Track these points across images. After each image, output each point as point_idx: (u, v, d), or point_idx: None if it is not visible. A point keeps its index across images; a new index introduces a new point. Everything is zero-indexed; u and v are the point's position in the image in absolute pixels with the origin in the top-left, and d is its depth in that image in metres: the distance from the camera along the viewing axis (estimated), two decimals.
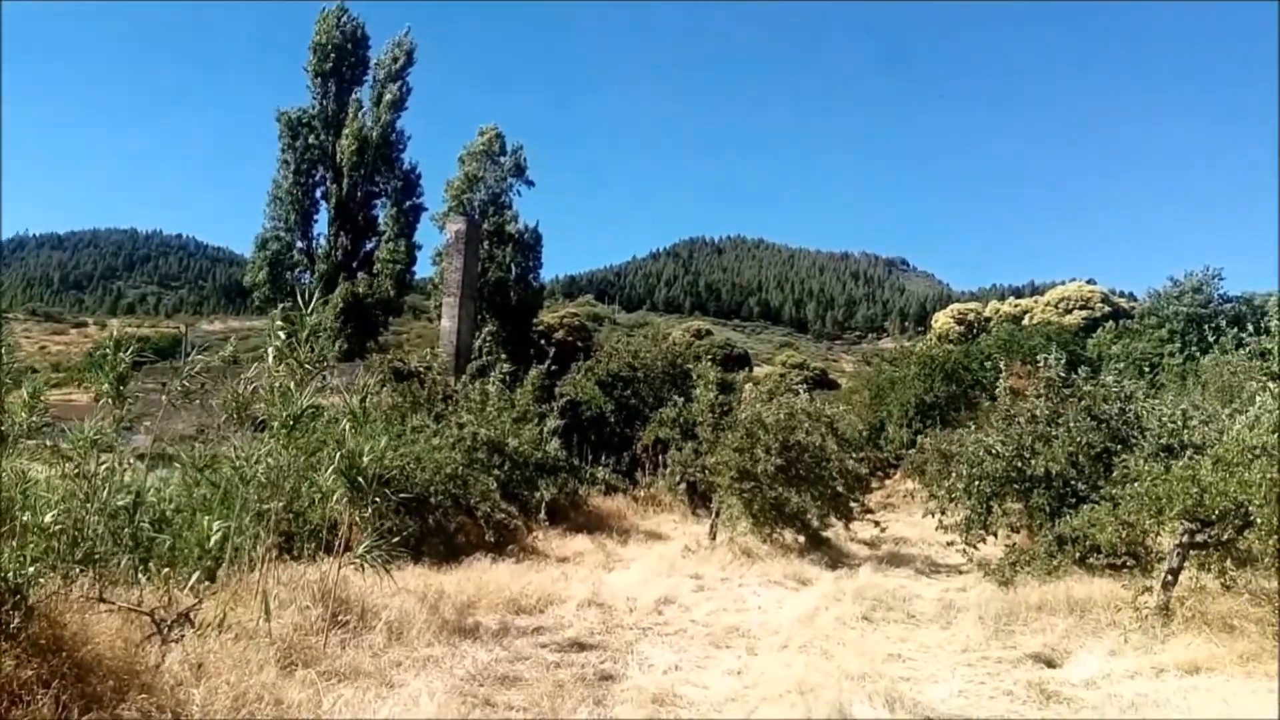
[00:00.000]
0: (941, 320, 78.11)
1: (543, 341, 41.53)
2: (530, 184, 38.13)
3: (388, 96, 37.12)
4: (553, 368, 21.88)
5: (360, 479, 6.93)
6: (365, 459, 6.97)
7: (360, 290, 35.46)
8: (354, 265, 37.10)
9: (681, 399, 15.64)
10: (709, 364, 16.79)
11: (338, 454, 7.04)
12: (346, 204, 37.04)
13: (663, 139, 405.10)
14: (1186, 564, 9.03)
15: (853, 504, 16.01)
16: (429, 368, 17.92)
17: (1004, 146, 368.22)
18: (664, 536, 15.88)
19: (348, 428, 7.52)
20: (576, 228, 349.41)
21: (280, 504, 7.48)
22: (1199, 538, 8.53)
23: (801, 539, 14.58)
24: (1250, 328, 20.35)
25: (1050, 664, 7.32)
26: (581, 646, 7.68)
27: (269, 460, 6.96)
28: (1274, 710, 5.65)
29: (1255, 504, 7.56)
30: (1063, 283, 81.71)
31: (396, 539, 8.04)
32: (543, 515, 14.51)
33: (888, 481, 31.80)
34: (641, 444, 21.07)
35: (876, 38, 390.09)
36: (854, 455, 20.29)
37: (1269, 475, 7.52)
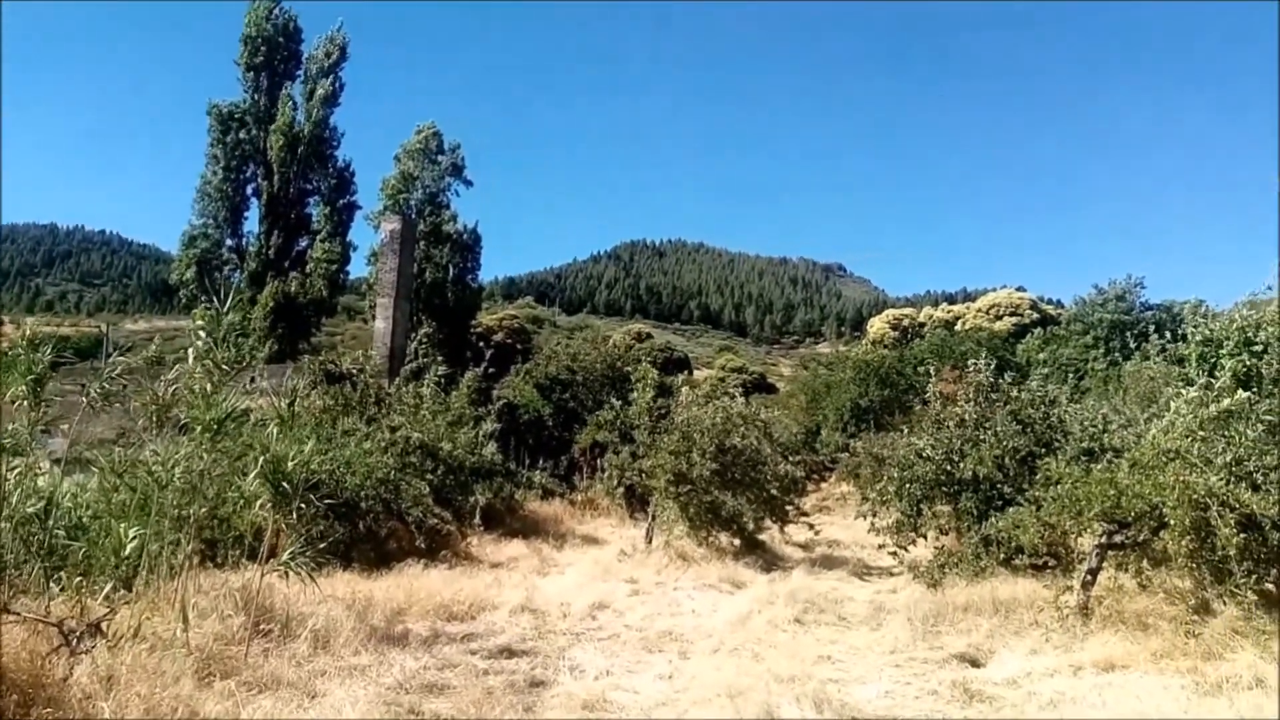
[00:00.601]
0: (877, 325, 79.58)
1: (481, 344, 41.13)
2: (469, 184, 37.85)
3: (320, 91, 36.38)
4: (490, 370, 21.69)
5: (285, 484, 6.75)
6: (290, 463, 6.79)
7: (292, 290, 34.69)
8: (286, 264, 36.26)
9: (619, 402, 15.63)
10: (648, 366, 16.76)
11: (261, 458, 6.85)
12: (278, 201, 36.22)
13: (604, 141, 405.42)
14: (1105, 564, 9.31)
15: (788, 507, 16.17)
16: (362, 370, 17.59)
17: (939, 156, 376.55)
18: (601, 541, 15.85)
19: (274, 431, 7.33)
20: (517, 229, 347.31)
21: (203, 510, 7.27)
22: (1117, 538, 8.81)
23: (737, 542, 14.68)
24: (1168, 334, 21.01)
25: (975, 663, 7.47)
26: (513, 653, 7.60)
27: (187, 465, 6.74)
28: (1182, 703, 5.84)
29: (1169, 506, 7.82)
30: (994, 290, 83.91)
31: (324, 545, 7.88)
32: (477, 520, 14.37)
33: (823, 484, 32.21)
34: (579, 447, 21.02)
35: (818, 42, 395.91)
36: (790, 459, 20.55)
37: (1181, 478, 7.78)
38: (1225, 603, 8.19)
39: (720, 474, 13.82)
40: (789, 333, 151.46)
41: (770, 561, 13.96)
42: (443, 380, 16.89)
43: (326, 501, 9.06)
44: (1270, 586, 8.21)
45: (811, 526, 17.12)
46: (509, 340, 58.46)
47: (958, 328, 65.47)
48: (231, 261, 36.71)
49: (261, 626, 6.72)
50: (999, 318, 67.24)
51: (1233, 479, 7.84)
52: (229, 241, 36.80)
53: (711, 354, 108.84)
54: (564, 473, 21.89)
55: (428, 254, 35.42)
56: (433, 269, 35.65)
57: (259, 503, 7.21)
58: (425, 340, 31.95)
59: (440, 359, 22.53)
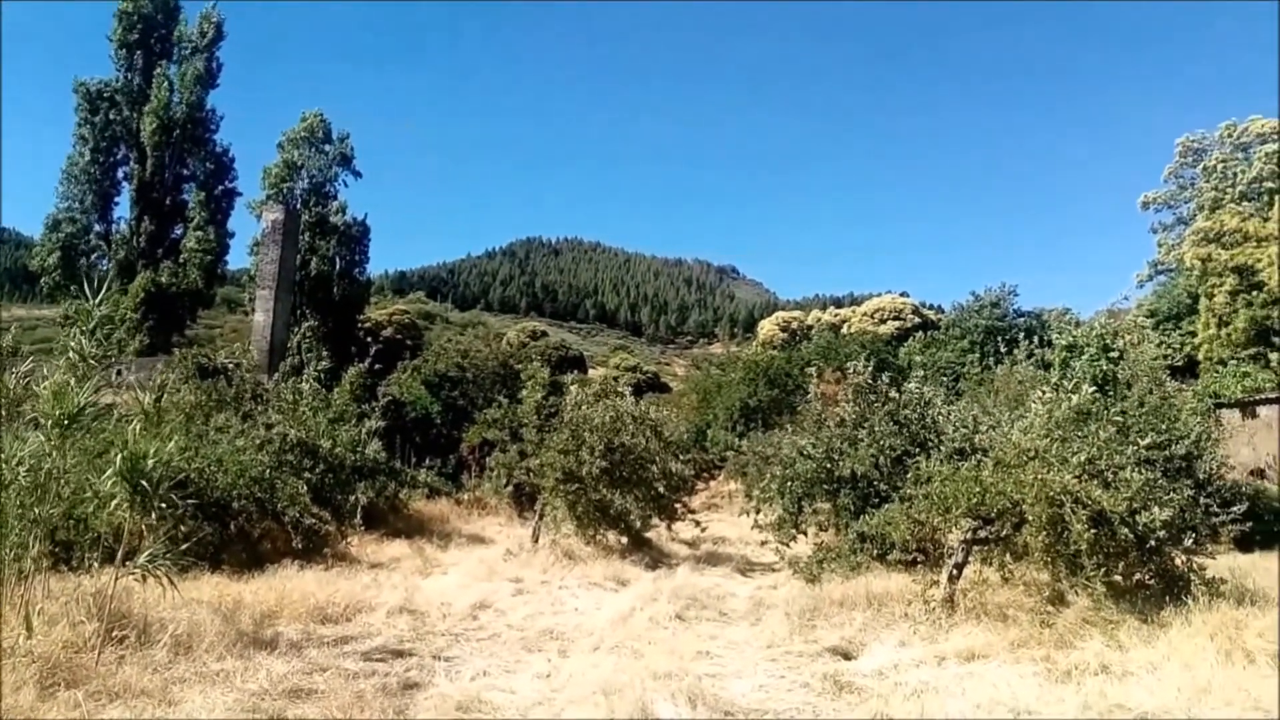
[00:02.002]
0: (767, 327, 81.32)
1: (369, 339, 40.07)
2: (358, 174, 36.77)
3: (195, 71, 34.66)
4: (376, 366, 21.16)
5: (144, 483, 6.40)
6: (150, 461, 6.44)
7: (164, 279, 32.94)
8: (158, 253, 34.37)
9: (508, 400, 15.48)
10: (538, 364, 16.64)
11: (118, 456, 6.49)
12: (151, 186, 34.33)
13: (501, 137, 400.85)
14: (971, 559, 9.75)
15: (676, 505, 16.35)
16: (238, 364, 16.89)
17: (829, 161, 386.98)
18: (487, 540, 15.67)
19: (137, 427, 6.95)
20: (409, 222, 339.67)
21: (55, 510, 6.85)
22: (981, 534, 9.22)
23: (625, 540, 14.74)
24: (1036, 340, 22.20)
25: (847, 656, 7.69)
26: (388, 655, 7.42)
27: (35, 463, 6.33)
28: (1034, 690, 6.15)
29: (1028, 503, 8.25)
30: (879, 295, 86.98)
31: (187, 546, 7.52)
32: (358, 520, 14.01)
33: (712, 483, 32.73)
34: (467, 446, 20.75)
35: (713, 47, 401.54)
36: (680, 457, 20.76)
37: (1039, 476, 8.21)
38: (1078, 594, 8.69)
39: (609, 472, 13.85)
40: (683, 333, 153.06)
41: (657, 559, 14.06)
42: (324, 375, 16.36)
43: (190, 501, 8.67)
44: (1118, 578, 8.74)
45: (698, 524, 17.34)
46: (399, 336, 57.20)
47: (844, 331, 67.55)
48: (99, 249, 34.61)
49: (116, 633, 6.36)
50: (883, 322, 69.61)
51: (1085, 477, 8.32)
52: (97, 227, 34.68)
53: (607, 353, 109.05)
54: (452, 471, 21.58)
55: (313, 245, 34.23)
56: (318, 261, 34.46)
57: (114, 503, 6.81)
58: (309, 334, 30.95)
59: (324, 354, 21.89)
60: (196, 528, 9.69)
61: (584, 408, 14.20)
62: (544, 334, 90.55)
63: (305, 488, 12.20)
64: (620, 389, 16.11)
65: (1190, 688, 5.90)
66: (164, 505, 6.78)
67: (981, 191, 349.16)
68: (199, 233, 33.80)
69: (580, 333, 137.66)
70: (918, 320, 68.92)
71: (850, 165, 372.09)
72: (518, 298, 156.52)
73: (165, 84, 34.40)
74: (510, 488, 17.10)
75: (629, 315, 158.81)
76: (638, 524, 14.95)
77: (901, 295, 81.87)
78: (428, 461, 20.70)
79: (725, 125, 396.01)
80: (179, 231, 34.97)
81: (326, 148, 35.95)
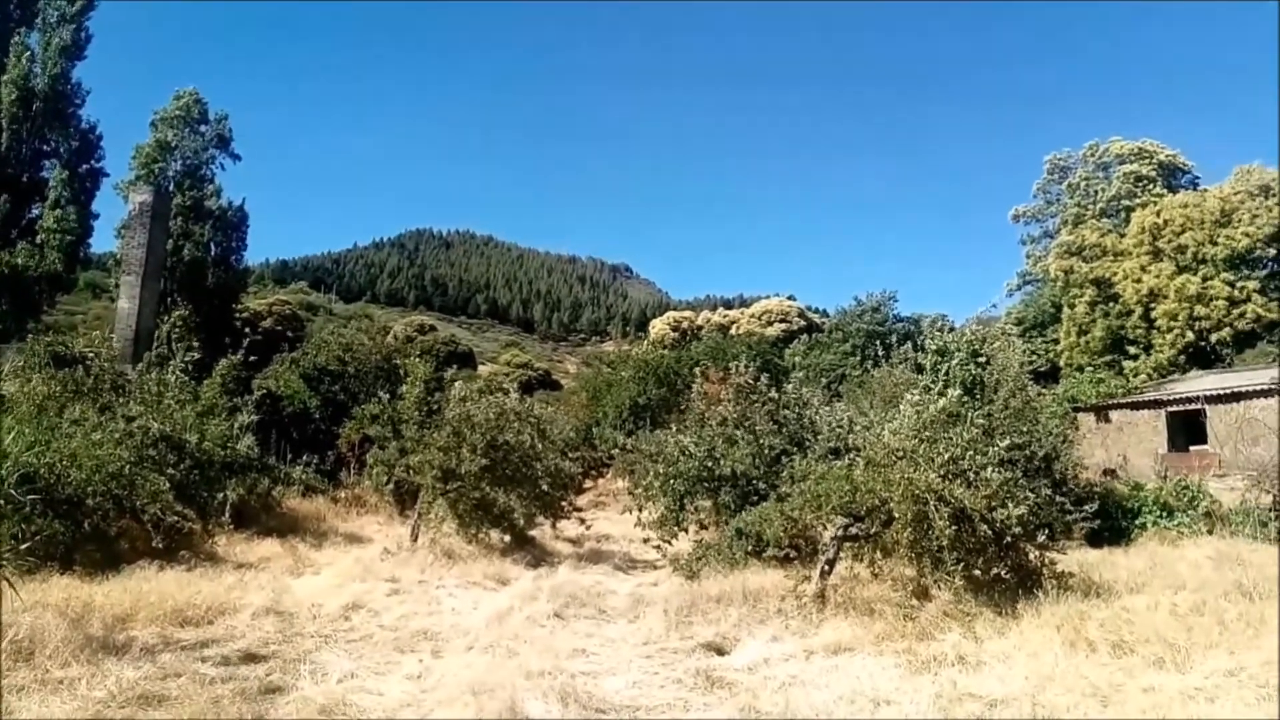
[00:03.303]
0: (658, 327, 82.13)
1: (247, 330, 38.53)
2: (236, 157, 35.06)
3: (61, 41, 32.41)
4: (252, 358, 20.37)
5: None
6: None
7: (20, 261, 30.68)
8: (14, 233, 32.04)
9: (390, 395, 15.11)
10: (418, 359, 16.30)
11: None
12: (6, 161, 31.93)
13: (393, 125, 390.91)
14: (843, 555, 10.07)
15: (562, 503, 16.32)
16: (98, 353, 15.92)
17: (724, 162, 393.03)
18: (365, 539, 15.27)
19: None
20: (292, 209, 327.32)
21: None
22: (852, 530, 9.54)
23: (508, 539, 14.62)
24: (910, 344, 23.11)
25: (720, 651, 7.81)
26: (251, 658, 7.13)
27: None
28: (895, 681, 6.40)
29: (895, 500, 8.57)
30: (767, 297, 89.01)
31: (29, 545, 7.06)
32: (227, 518, 13.43)
33: (600, 481, 32.84)
34: (346, 442, 20.17)
35: (613, 42, 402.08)
36: (569, 455, 20.70)
37: (906, 475, 8.54)
38: (940, 588, 9.09)
39: (491, 470, 13.70)
40: (576, 330, 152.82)
41: (539, 557, 14.00)
42: (191, 366, 15.61)
43: (31, 497, 8.13)
44: (978, 573, 9.18)
45: (583, 522, 17.37)
46: (279, 327, 55.28)
47: (732, 332, 68.84)
48: None
49: None
50: (770, 324, 71.27)
51: (949, 476, 8.71)
52: None
53: (498, 349, 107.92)
54: (330, 468, 20.95)
55: (186, 230, 32.51)
56: (192, 247, 32.74)
57: None
58: (179, 324, 29.42)
59: (196, 344, 20.86)
60: (45, 526, 9.08)
61: (467, 404, 13.99)
62: (433, 328, 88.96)
63: (168, 484, 11.58)
64: (505, 386, 15.93)
65: (1036, 676, 6.25)
66: (6, 502, 6.36)
67: (868, 197, 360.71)
68: (57, 212, 31.59)
69: (471, 328, 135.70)
70: (803, 323, 70.85)
71: (740, 167, 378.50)
72: (406, 290, 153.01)
73: (26, 54, 32.04)
74: (391, 485, 16.70)
75: (521, 311, 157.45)
76: (521, 522, 14.85)
77: (789, 298, 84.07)
78: (304, 458, 20.03)
79: (621, 122, 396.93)
80: (37, 210, 32.66)
81: (202, 128, 34.19)
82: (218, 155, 34.59)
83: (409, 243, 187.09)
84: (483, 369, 71.36)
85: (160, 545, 10.85)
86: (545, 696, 5.88)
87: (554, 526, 16.33)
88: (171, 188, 31.84)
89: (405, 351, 28.89)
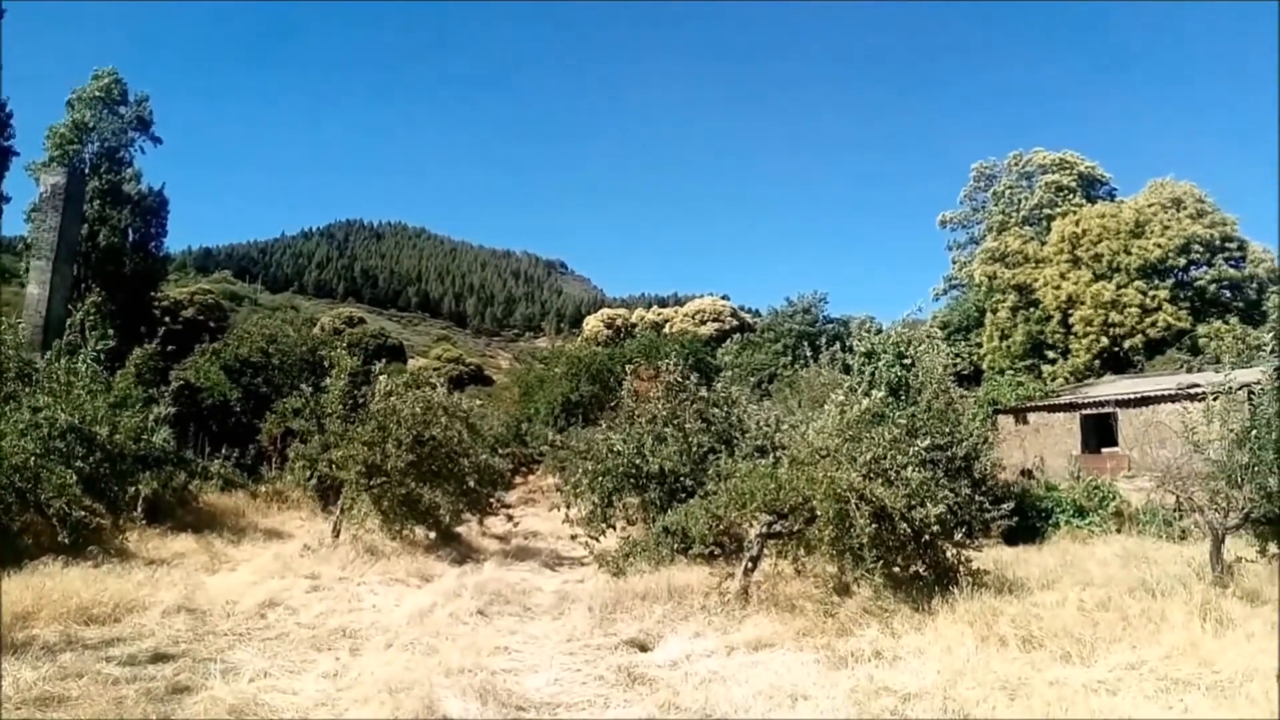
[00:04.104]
0: (592, 323, 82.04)
1: (167, 319, 37.28)
2: (157, 140, 33.86)
3: None
4: (170, 348, 19.67)
5: None
6: None
7: None
8: None
9: (311, 388, 14.76)
10: (345, 351, 15.95)
11: None
12: None
13: (323, 112, 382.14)
14: (768, 552, 10.19)
15: (491, 500, 16.16)
16: (3, 340, 15.18)
17: (661, 160, 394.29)
18: (286, 535, 14.92)
19: None
20: (217, 196, 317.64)
21: None
22: (776, 528, 9.65)
23: (433, 535, 14.42)
24: (839, 345, 23.51)
25: (644, 648, 7.83)
26: (159, 657, 6.88)
27: None
28: (814, 676, 6.49)
29: (818, 498, 8.69)
30: (701, 296, 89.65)
31: None
32: (139, 513, 12.96)
33: (530, 477, 32.62)
34: (268, 436, 19.68)
35: (553, 35, 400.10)
36: (499, 451, 20.51)
37: (829, 474, 8.68)
38: (860, 585, 9.26)
39: (417, 465, 13.48)
40: (510, 326, 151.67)
41: (465, 554, 13.84)
42: (104, 355, 15.01)
43: None
44: (897, 570, 9.38)
45: (511, 518, 17.23)
46: (201, 317, 53.67)
47: (666, 330, 69.17)
48: None
49: None
50: (703, 323, 71.77)
51: (870, 475, 8.87)
52: None
53: (429, 343, 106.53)
54: (251, 463, 20.42)
55: (103, 215, 31.27)
56: (109, 232, 31.51)
57: None
58: (93, 311, 28.30)
59: (111, 333, 20.08)
60: None
61: (393, 398, 13.75)
62: (362, 321, 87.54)
63: (76, 478, 11.11)
64: (433, 380, 15.68)
65: (949, 670, 6.41)
66: None
67: (803, 200, 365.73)
68: None
69: (402, 321, 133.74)
70: (736, 323, 71.54)
71: (677, 166, 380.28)
72: (335, 282, 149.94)
73: None
74: (314, 480, 16.31)
75: (453, 305, 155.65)
76: (447, 519, 14.66)
77: (722, 298, 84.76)
78: (224, 452, 19.48)
79: (557, 116, 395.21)
80: None
81: (122, 109, 32.94)
82: (138, 138, 33.40)
83: (339, 233, 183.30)
84: (413, 363, 70.39)
85: (67, 541, 10.41)
86: (464, 694, 5.81)
87: (481, 523, 16.16)
88: (87, 170, 30.63)
89: (332, 344, 28.27)
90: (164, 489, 14.80)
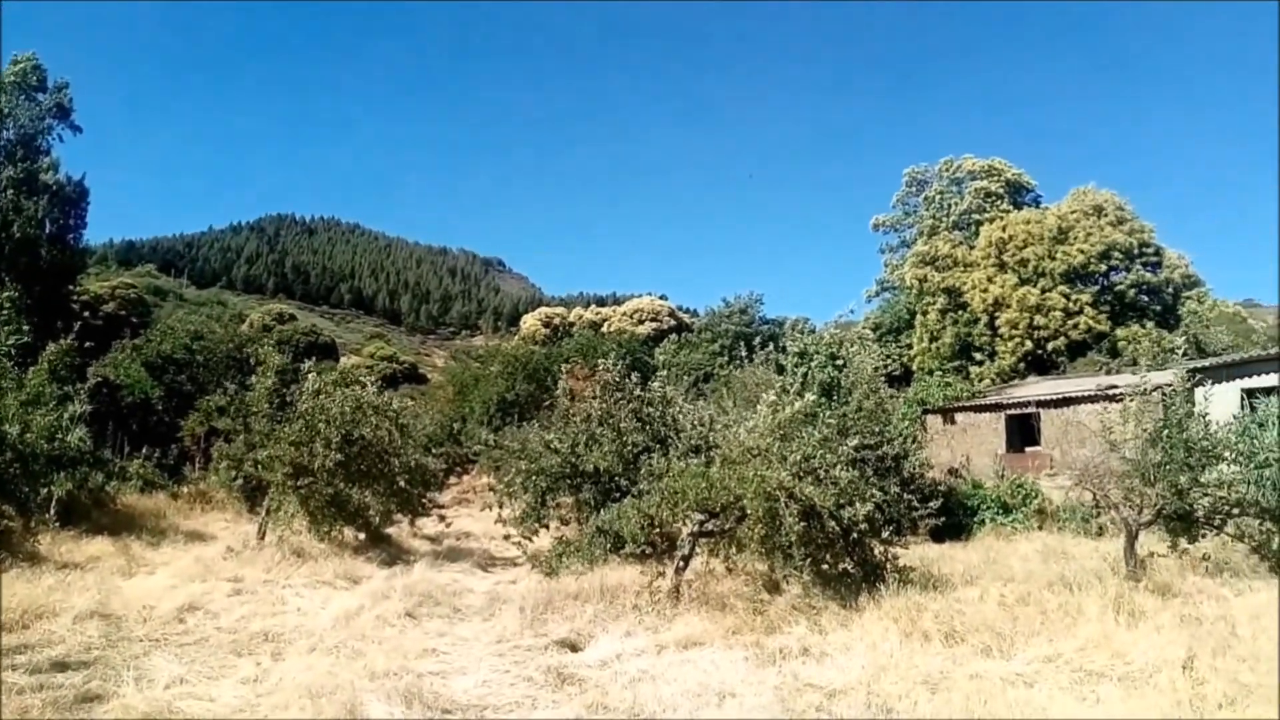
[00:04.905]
0: (530, 322, 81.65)
1: (86, 314, 36.03)
2: (77, 129, 32.63)
3: None
4: (88, 344, 18.98)
5: None
6: None
7: None
8: None
9: (235, 386, 14.37)
10: (273, 348, 15.57)
11: None
12: None
13: (253, 102, 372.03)
14: (700, 550, 10.25)
15: (423, 500, 15.95)
16: None
17: (597, 159, 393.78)
18: (209, 537, 14.52)
19: None
20: (141, 187, 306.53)
21: None
22: (708, 527, 9.71)
23: (362, 536, 14.18)
24: (774, 345, 23.76)
25: (574, 648, 7.79)
26: (69, 665, 6.62)
27: None
28: (742, 674, 6.55)
29: (749, 498, 8.76)
30: (640, 295, 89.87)
31: None
32: (51, 515, 12.48)
33: (465, 477, 32.31)
34: (191, 435, 19.13)
35: (481, 32, 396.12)
36: (432, 451, 20.25)
37: (759, 473, 8.76)
38: (790, 583, 9.39)
39: (346, 465, 13.24)
40: (445, 324, 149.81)
41: (395, 556, 13.64)
42: (16, 351, 14.42)
43: None
44: (826, 567, 9.52)
45: (443, 519, 17.06)
46: (122, 312, 51.95)
47: (605, 329, 69.18)
48: None
49: None
50: (641, 322, 71.98)
51: (800, 474, 8.98)
52: None
53: (362, 340, 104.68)
54: (173, 462, 19.83)
55: (17, 205, 29.98)
56: (24, 223, 30.21)
57: None
58: (6, 305, 27.16)
59: (25, 328, 19.29)
60: None
61: (321, 397, 13.46)
62: (292, 318, 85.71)
63: None
64: (362, 378, 15.40)
65: (873, 666, 6.53)
66: None
67: (742, 201, 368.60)
68: None
69: (334, 319, 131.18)
70: (674, 322, 71.92)
71: (617, 162, 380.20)
72: (265, 277, 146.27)
73: None
74: (239, 481, 15.89)
75: (388, 302, 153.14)
76: (377, 520, 14.44)
77: (660, 298, 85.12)
78: (145, 451, 18.87)
79: (494, 112, 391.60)
80: None
81: (40, 96, 31.68)
82: (56, 126, 32.12)
83: (269, 227, 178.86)
84: (346, 361, 69.10)
85: None
86: (389, 698, 5.72)
87: (413, 524, 15.95)
88: (2, 158, 29.43)
89: (260, 341, 27.59)
90: (79, 490, 14.28)
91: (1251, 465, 10.85)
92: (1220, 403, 16.60)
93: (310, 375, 13.81)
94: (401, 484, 14.34)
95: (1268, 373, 19.89)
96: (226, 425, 14.97)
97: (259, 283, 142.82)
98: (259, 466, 13.21)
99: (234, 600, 9.56)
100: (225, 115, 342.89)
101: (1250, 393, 19.33)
